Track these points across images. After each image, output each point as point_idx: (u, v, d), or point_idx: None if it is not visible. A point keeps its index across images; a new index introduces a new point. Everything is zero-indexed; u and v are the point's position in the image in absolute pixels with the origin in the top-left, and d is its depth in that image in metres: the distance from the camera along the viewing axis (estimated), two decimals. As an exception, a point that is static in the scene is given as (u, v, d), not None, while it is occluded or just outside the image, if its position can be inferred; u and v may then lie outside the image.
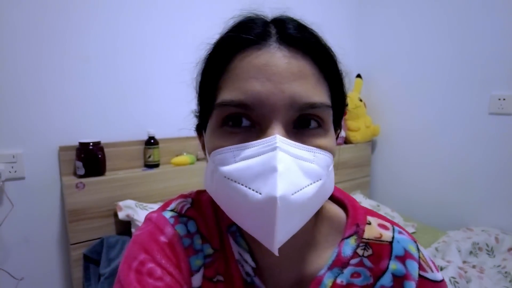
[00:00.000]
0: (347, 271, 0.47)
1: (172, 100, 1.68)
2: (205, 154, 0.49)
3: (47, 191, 1.40)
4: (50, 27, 1.35)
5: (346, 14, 2.37)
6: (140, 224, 1.30)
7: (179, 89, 1.68)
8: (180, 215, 0.50)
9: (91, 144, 1.36)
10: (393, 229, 0.49)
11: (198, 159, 1.73)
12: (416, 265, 0.46)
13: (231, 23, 0.46)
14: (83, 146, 1.36)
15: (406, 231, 0.50)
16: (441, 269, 1.39)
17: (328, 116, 0.43)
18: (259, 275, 0.48)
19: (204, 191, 0.54)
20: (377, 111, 2.31)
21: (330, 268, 0.46)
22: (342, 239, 0.48)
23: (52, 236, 1.43)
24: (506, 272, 1.47)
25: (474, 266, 1.54)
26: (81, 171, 1.35)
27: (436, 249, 1.64)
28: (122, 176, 1.43)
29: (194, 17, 1.70)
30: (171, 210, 0.51)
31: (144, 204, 1.40)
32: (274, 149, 0.37)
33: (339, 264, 0.47)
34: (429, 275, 0.45)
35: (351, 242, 0.48)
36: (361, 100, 2.24)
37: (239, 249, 0.49)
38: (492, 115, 1.75)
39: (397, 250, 0.47)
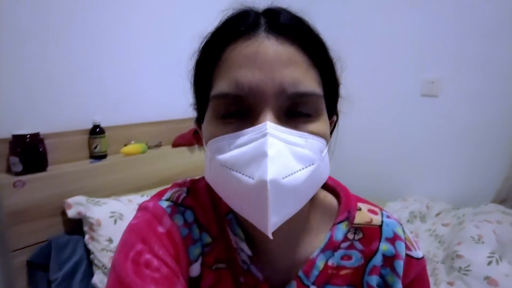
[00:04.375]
0: (338, 253, 0.50)
1: (119, 84, 1.55)
2: (205, 146, 0.49)
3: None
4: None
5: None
6: (94, 222, 1.21)
7: (126, 71, 1.57)
8: (176, 205, 0.50)
9: (28, 136, 1.19)
10: (382, 214, 0.54)
11: (149, 147, 1.63)
12: (403, 245, 0.51)
13: (224, 14, 0.46)
14: (18, 139, 1.18)
15: (392, 216, 0.55)
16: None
17: (319, 103, 0.43)
18: (255, 263, 0.49)
19: (199, 179, 0.55)
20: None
21: (323, 251, 0.49)
22: (334, 224, 0.51)
23: (-16, 244, 1.24)
24: (436, 235, 1.69)
25: (411, 232, 1.74)
26: (18, 168, 1.17)
27: (380, 220, 1.81)
28: (68, 170, 1.29)
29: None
30: (167, 200, 0.50)
31: (96, 199, 1.28)
32: (264, 135, 0.38)
33: (331, 247, 0.49)
34: (413, 253, 0.51)
35: (343, 227, 0.51)
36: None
37: (235, 237, 0.49)
38: (424, 96, 1.96)
39: (386, 232, 0.51)
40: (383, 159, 2.19)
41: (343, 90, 0.51)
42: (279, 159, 0.37)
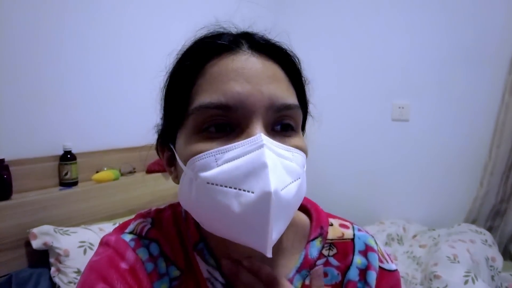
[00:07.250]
0: None
1: (90, 109, 1.52)
2: (169, 171, 0.48)
3: None
4: None
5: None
6: (61, 252, 1.14)
7: (98, 96, 1.54)
8: (141, 238, 0.47)
9: (-8, 162, 1.13)
10: (353, 227, 0.54)
11: (122, 174, 1.59)
12: (376, 256, 0.50)
13: (199, 34, 0.46)
14: (-19, 166, 1.12)
15: (364, 229, 0.55)
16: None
17: (300, 118, 0.45)
18: None
19: (164, 209, 0.52)
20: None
21: (299, 270, 0.48)
22: (308, 242, 0.50)
23: None
24: (414, 257, 1.70)
25: (390, 254, 1.74)
26: (-20, 196, 1.11)
27: (359, 243, 1.81)
28: (35, 199, 1.22)
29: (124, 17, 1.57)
30: (131, 233, 0.48)
31: (65, 229, 1.22)
32: (261, 146, 0.37)
33: (307, 266, 0.48)
34: (385, 265, 0.50)
35: (317, 244, 0.50)
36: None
37: (208, 267, 0.47)
38: (394, 121, 2.04)
39: (359, 245, 0.51)
40: (358, 183, 2.21)
41: (314, 111, 0.53)
42: (275, 171, 0.36)
